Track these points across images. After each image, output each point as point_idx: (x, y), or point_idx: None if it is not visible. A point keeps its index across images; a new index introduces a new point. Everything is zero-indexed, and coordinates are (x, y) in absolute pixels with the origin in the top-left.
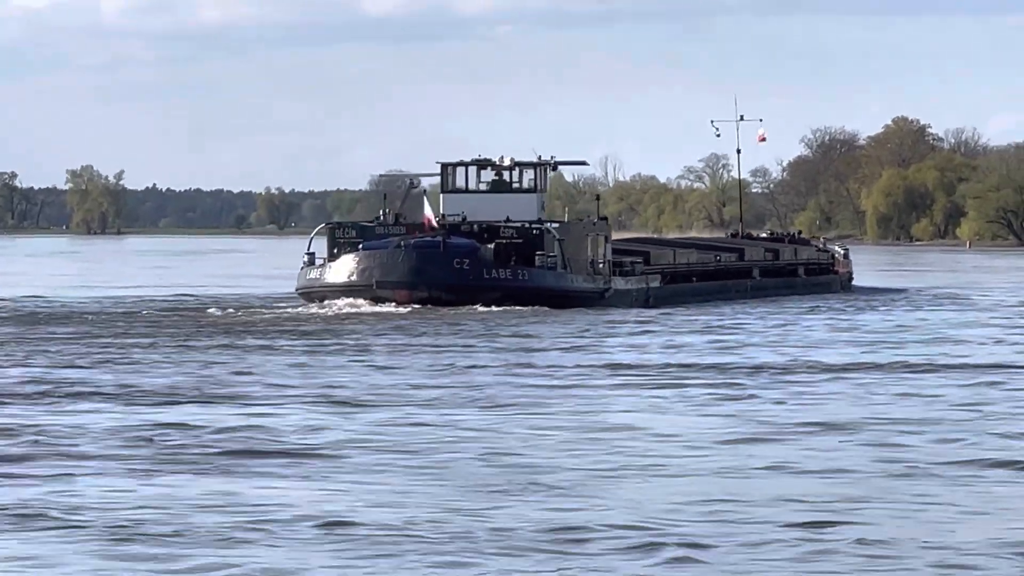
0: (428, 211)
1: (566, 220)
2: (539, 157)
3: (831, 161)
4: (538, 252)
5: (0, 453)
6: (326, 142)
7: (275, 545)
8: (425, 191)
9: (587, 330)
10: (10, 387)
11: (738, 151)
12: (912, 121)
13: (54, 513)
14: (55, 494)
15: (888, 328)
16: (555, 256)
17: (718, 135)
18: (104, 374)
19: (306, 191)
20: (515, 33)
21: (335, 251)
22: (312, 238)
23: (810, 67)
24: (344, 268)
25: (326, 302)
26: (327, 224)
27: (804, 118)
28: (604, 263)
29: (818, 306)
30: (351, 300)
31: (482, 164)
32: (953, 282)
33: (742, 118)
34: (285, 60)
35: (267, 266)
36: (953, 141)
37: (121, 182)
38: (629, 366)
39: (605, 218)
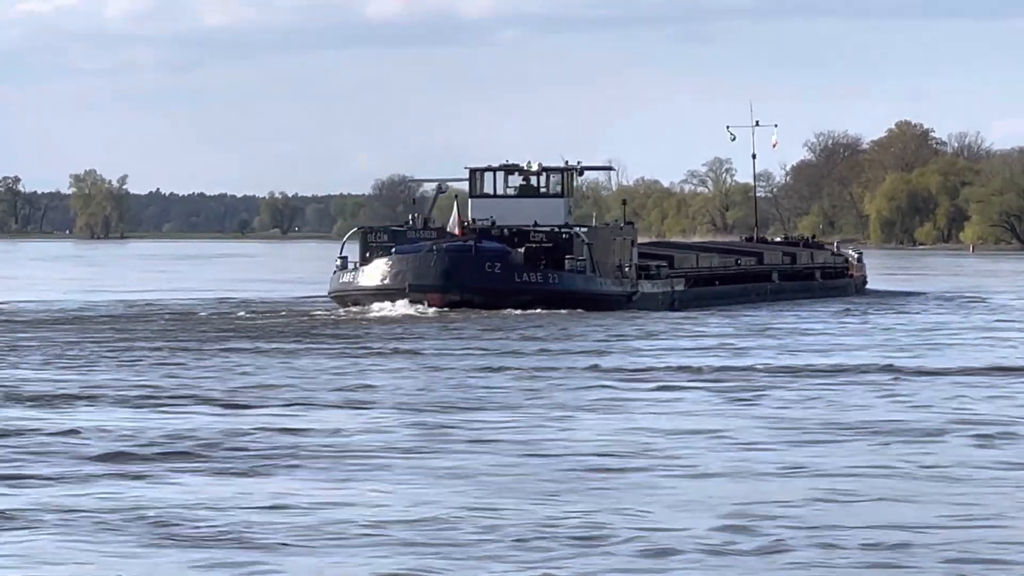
0: (453, 218)
1: (594, 224)
2: (566, 162)
3: (834, 165)
4: (567, 256)
5: (86, 454)
6: (329, 147)
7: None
8: (456, 196)
9: (654, 333)
10: (113, 390)
11: (753, 156)
12: (915, 125)
13: (112, 513)
14: (114, 496)
15: (929, 329)
16: (584, 260)
17: (733, 139)
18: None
19: (309, 195)
20: (518, 38)
21: (367, 255)
22: (344, 242)
23: (812, 71)
24: (377, 271)
25: (380, 306)
26: (359, 228)
27: (807, 122)
28: (631, 267)
29: (848, 308)
30: (405, 303)
31: (509, 169)
32: (962, 285)
33: (757, 123)
34: (288, 64)
35: (285, 270)
36: (956, 145)
37: (125, 186)
38: (731, 368)
39: (631, 222)
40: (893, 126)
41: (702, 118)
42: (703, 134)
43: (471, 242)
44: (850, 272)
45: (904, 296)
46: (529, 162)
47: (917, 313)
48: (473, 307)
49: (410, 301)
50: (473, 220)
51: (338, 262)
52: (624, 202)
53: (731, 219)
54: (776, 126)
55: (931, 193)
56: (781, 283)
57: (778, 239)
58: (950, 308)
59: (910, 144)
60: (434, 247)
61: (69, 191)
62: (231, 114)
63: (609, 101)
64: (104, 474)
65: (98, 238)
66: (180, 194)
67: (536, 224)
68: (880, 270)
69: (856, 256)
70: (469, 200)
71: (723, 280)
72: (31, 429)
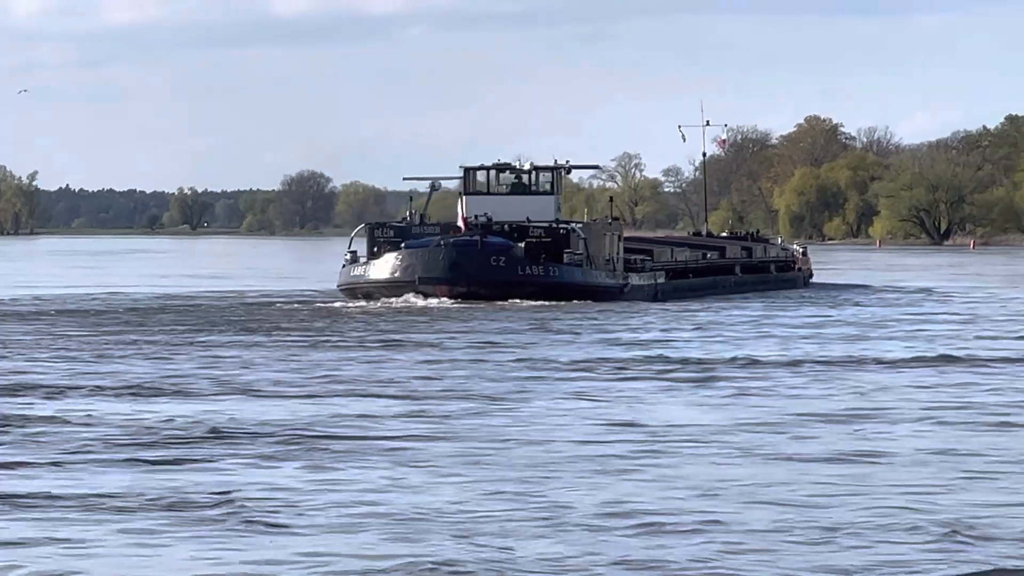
0: (460, 214)
1: (585, 220)
2: (555, 161)
3: (743, 160)
4: (566, 250)
5: (144, 441)
6: (238, 143)
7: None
8: (434, 190)
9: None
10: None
11: (703, 155)
12: (824, 120)
13: (172, 498)
14: (175, 481)
15: (904, 319)
16: (581, 254)
17: (684, 139)
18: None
19: (219, 191)
20: (428, 33)
21: (375, 249)
22: (353, 237)
23: (722, 65)
24: (387, 265)
25: (403, 299)
26: (367, 224)
27: (716, 117)
28: (619, 260)
29: (822, 300)
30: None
31: (501, 168)
32: (889, 277)
33: (708, 123)
34: (196, 61)
35: (223, 266)
36: (865, 140)
37: (34, 183)
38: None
39: (618, 218)
40: (802, 121)
41: (610, 114)
42: (611, 130)
43: (477, 237)
44: (797, 266)
45: (851, 289)
46: (520, 161)
47: (883, 304)
48: (479, 299)
49: (419, 293)
50: (476, 217)
51: (347, 256)
52: (611, 199)
53: (640, 214)
54: (726, 126)
55: (840, 188)
56: (743, 276)
57: (723, 234)
58: (913, 300)
59: (819, 139)
60: (442, 241)
61: None
62: (140, 111)
63: (516, 97)
64: (161, 459)
65: (7, 234)
66: (90, 190)
67: (528, 219)
68: None
69: (801, 250)
70: (463, 197)
71: (695, 273)
72: (107, 418)
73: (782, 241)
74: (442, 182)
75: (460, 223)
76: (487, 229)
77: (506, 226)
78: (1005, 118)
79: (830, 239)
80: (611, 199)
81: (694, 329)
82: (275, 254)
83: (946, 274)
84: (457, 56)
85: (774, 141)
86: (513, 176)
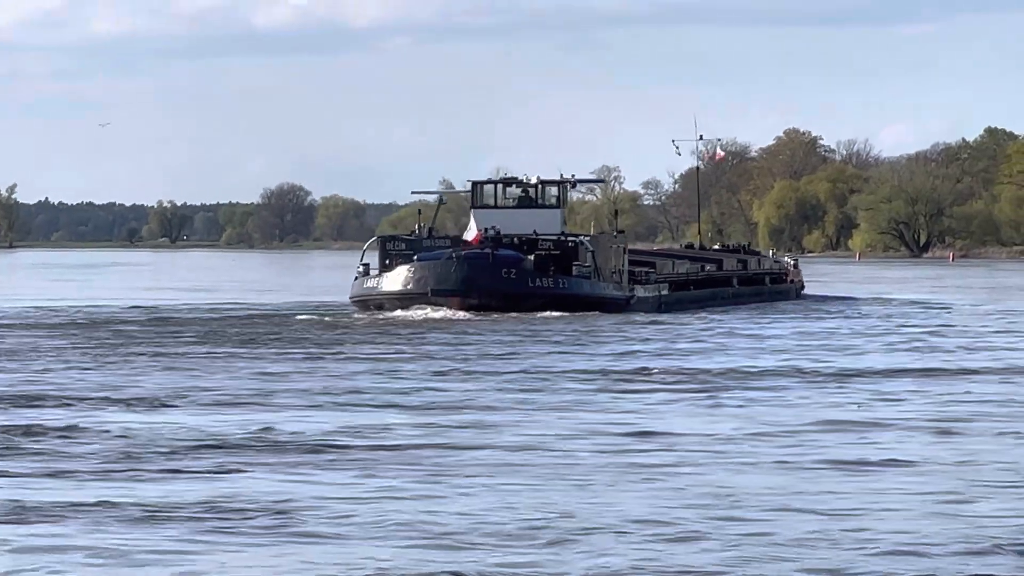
0: (471, 227)
1: (592, 233)
2: (561, 175)
3: (723, 173)
4: (574, 262)
5: (175, 449)
6: (218, 155)
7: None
8: (443, 203)
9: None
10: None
11: (697, 168)
12: (804, 133)
13: (199, 507)
14: (211, 491)
15: (919, 332)
16: (589, 266)
17: (679, 154)
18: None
19: (198, 204)
20: (409, 45)
21: (387, 262)
22: (365, 250)
23: (701, 77)
24: (399, 277)
25: (421, 310)
26: (379, 237)
27: (694, 130)
28: (624, 272)
29: (828, 312)
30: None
31: (508, 182)
32: (874, 289)
33: (701, 137)
34: (177, 73)
35: (215, 279)
36: (845, 153)
37: (13, 195)
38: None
39: (623, 231)
40: (781, 134)
41: (591, 125)
42: (591, 141)
43: (488, 250)
44: (789, 278)
45: (843, 300)
46: (526, 175)
47: (889, 316)
48: (490, 310)
49: (431, 305)
50: (486, 230)
51: (360, 269)
52: (616, 212)
53: (621, 226)
54: (719, 140)
55: (819, 200)
56: (739, 288)
57: (716, 247)
58: (909, 311)
59: (798, 152)
60: (454, 254)
61: None
62: (120, 123)
63: (497, 108)
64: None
65: None
66: (69, 203)
67: (536, 232)
68: None
69: (792, 263)
70: (471, 211)
71: (696, 285)
72: (147, 427)
73: (773, 254)
74: (448, 198)
75: (470, 236)
76: (497, 242)
77: (516, 239)
78: (984, 130)
79: (809, 252)
80: (616, 212)
81: (706, 340)
82: (257, 267)
83: (929, 286)
84: (438, 68)
85: (753, 154)
86: (520, 190)
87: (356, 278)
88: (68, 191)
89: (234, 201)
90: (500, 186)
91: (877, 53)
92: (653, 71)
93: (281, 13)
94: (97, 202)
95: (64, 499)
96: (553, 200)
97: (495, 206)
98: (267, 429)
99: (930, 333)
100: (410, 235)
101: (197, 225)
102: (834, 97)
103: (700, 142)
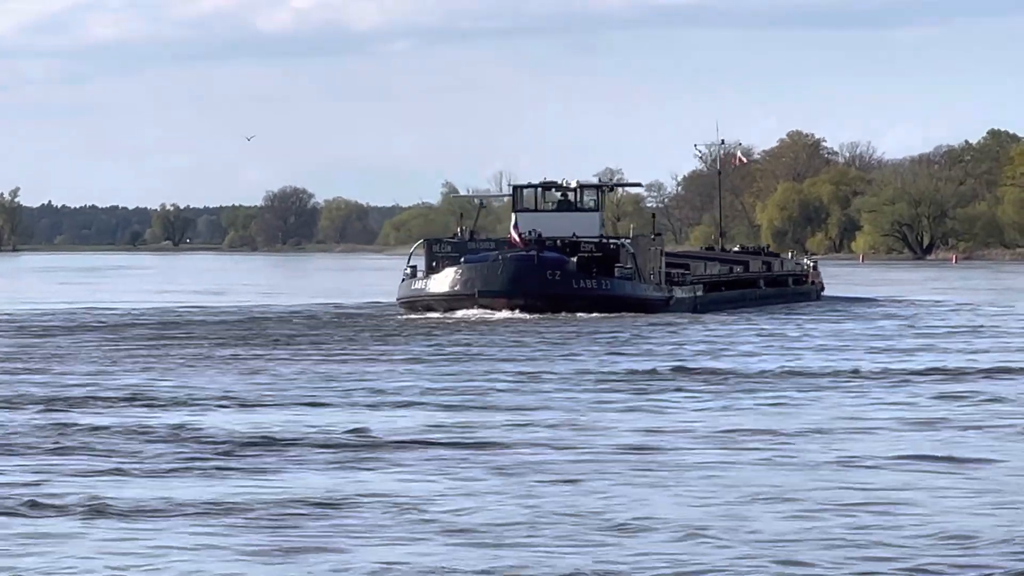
0: (514, 230)
1: (631, 236)
2: (599, 180)
3: (726, 175)
4: (616, 264)
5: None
6: (221, 158)
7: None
8: (482, 206)
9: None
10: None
11: (719, 172)
12: (807, 135)
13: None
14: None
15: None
16: (631, 268)
17: (700, 157)
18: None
19: (201, 207)
20: (411, 49)
21: (434, 264)
22: (412, 253)
23: (705, 80)
24: (447, 279)
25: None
26: (425, 240)
27: (698, 132)
28: (662, 274)
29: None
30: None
31: (547, 186)
32: (890, 291)
33: (723, 142)
34: (180, 77)
35: (226, 282)
36: (848, 155)
37: (16, 199)
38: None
39: (660, 233)
40: (785, 136)
41: (593, 128)
42: (594, 144)
43: (533, 252)
44: (810, 279)
45: (864, 302)
46: (566, 180)
47: (918, 317)
48: (536, 311)
49: (479, 306)
50: (530, 232)
51: (407, 271)
52: (653, 216)
53: (623, 230)
54: (740, 143)
55: (823, 203)
56: (765, 289)
57: (735, 249)
58: (935, 313)
59: (801, 154)
60: (500, 256)
61: None
62: (123, 127)
63: (500, 111)
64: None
65: None
66: (72, 206)
67: (575, 235)
68: None
69: (812, 265)
70: (512, 214)
71: (727, 286)
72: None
73: (793, 255)
74: (491, 200)
75: (515, 238)
76: (541, 244)
77: (558, 241)
78: (987, 132)
79: (813, 254)
80: (653, 215)
81: (750, 341)
82: (260, 269)
83: (943, 288)
84: (440, 71)
85: (756, 156)
86: (559, 194)
87: (403, 280)
88: (71, 194)
89: (237, 204)
90: (540, 190)
91: (880, 55)
92: (655, 74)
93: (283, 17)
94: (100, 205)
95: (179, 497)
96: (592, 204)
97: (535, 209)
98: (392, 425)
99: (970, 333)
100: (453, 238)
101: (200, 228)
102: (837, 99)
103: (721, 147)
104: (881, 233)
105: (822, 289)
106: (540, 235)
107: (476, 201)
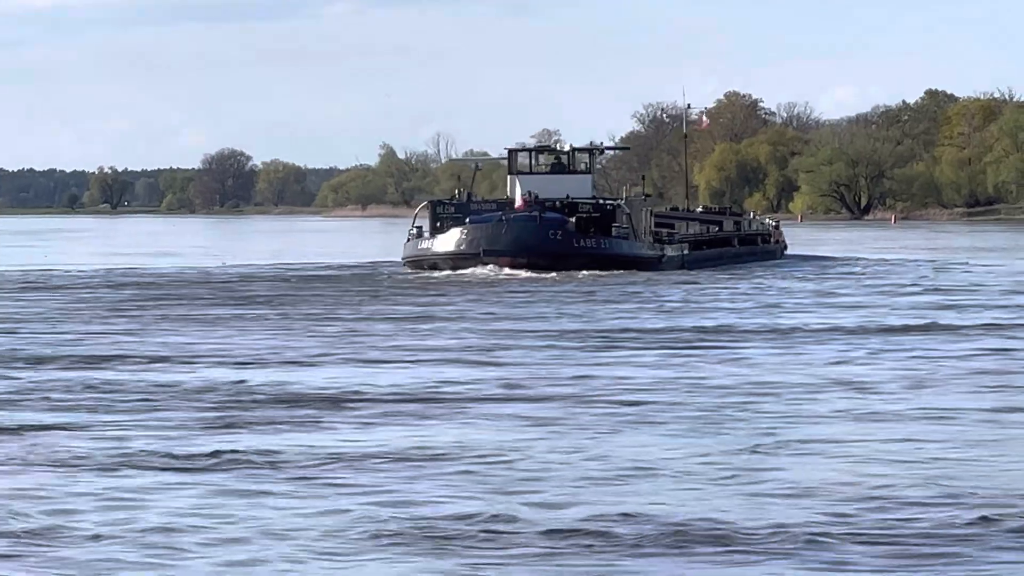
0: (518, 193)
1: (626, 197)
2: (591, 143)
3: (663, 136)
4: (613, 224)
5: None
6: (158, 121)
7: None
8: (480, 169)
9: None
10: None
11: (684, 136)
12: (744, 96)
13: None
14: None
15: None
16: (627, 227)
17: (691, 113)
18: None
19: (139, 170)
20: (351, 11)
21: (438, 225)
22: (416, 214)
23: (640, 42)
24: (452, 239)
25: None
26: (429, 202)
27: (634, 93)
28: (652, 233)
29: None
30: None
31: (541, 150)
32: (839, 249)
33: (689, 106)
34: (116, 40)
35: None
36: (785, 115)
37: None
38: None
39: (649, 194)
40: (722, 96)
41: (527, 91)
42: (529, 106)
43: (536, 213)
44: (774, 238)
45: (825, 260)
46: (559, 143)
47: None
48: (538, 269)
49: (483, 264)
50: (530, 193)
51: (413, 231)
52: (643, 177)
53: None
54: (705, 108)
55: (760, 163)
56: (739, 247)
57: (699, 209)
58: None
59: (739, 115)
60: (503, 217)
61: None
62: (61, 91)
63: (437, 73)
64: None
65: None
66: (9, 170)
67: (568, 196)
68: None
69: (775, 224)
70: (508, 176)
71: (707, 244)
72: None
73: (755, 215)
74: (483, 163)
75: (518, 200)
76: (542, 205)
77: (557, 203)
78: (925, 92)
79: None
80: (643, 177)
81: (769, 297)
82: (200, 231)
83: (894, 247)
84: (379, 34)
85: (694, 117)
86: (553, 157)
87: (408, 240)
88: (8, 158)
89: (175, 167)
90: (534, 153)
91: (817, 15)
92: (590, 36)
93: None
94: (38, 168)
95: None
96: (584, 166)
97: (530, 172)
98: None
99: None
100: (452, 199)
101: (138, 191)
102: (775, 60)
103: (681, 109)
104: (819, 193)
105: (786, 248)
106: (538, 197)
107: (472, 165)
